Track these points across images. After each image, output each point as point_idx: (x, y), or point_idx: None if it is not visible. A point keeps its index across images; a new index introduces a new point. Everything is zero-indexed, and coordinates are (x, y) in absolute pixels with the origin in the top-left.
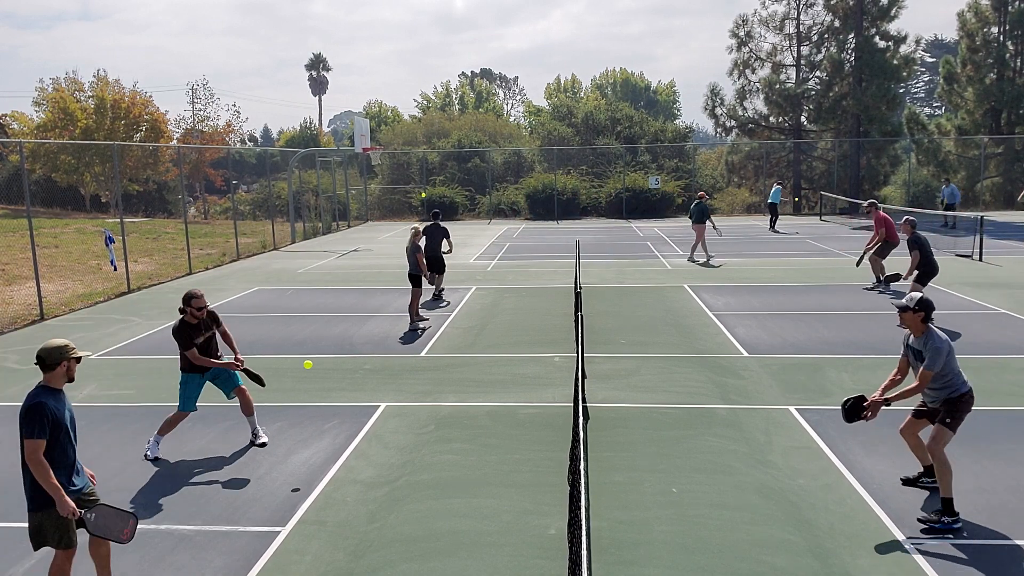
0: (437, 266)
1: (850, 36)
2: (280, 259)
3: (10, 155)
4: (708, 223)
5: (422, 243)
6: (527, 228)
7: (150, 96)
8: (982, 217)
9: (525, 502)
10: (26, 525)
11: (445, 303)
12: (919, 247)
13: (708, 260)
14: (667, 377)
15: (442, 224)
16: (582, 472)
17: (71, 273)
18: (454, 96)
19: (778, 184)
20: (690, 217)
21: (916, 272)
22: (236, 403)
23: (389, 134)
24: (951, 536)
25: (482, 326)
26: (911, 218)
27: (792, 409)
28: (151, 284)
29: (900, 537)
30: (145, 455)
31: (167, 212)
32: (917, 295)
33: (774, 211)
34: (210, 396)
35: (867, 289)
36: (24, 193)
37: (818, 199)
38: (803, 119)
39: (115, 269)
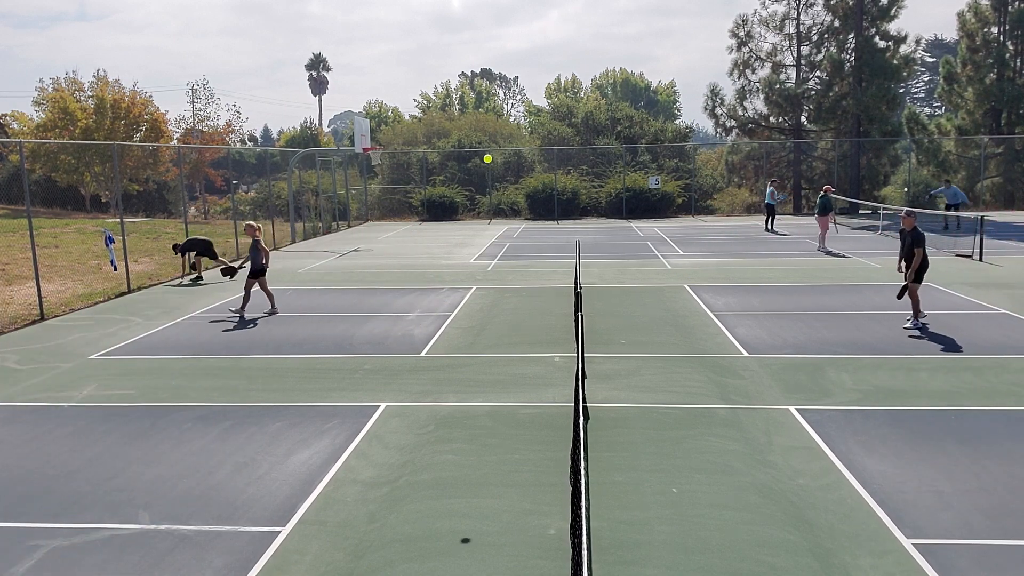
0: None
1: (850, 36)
2: (280, 259)
3: (10, 155)
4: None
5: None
6: (527, 228)
7: (150, 96)
8: (982, 217)
9: (525, 502)
10: (25, 525)
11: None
12: (923, 244)
13: (825, 251)
14: (667, 377)
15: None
16: (582, 472)
17: (71, 273)
18: (454, 96)
19: (771, 185)
20: (814, 209)
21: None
22: (235, 403)
23: (389, 134)
24: None
25: (482, 326)
26: (913, 210)
27: (792, 409)
28: (151, 284)
29: (900, 537)
30: None
31: (167, 212)
32: None
33: (770, 211)
34: (210, 396)
35: None
36: (24, 193)
37: (817, 199)
38: (803, 119)
39: (115, 269)
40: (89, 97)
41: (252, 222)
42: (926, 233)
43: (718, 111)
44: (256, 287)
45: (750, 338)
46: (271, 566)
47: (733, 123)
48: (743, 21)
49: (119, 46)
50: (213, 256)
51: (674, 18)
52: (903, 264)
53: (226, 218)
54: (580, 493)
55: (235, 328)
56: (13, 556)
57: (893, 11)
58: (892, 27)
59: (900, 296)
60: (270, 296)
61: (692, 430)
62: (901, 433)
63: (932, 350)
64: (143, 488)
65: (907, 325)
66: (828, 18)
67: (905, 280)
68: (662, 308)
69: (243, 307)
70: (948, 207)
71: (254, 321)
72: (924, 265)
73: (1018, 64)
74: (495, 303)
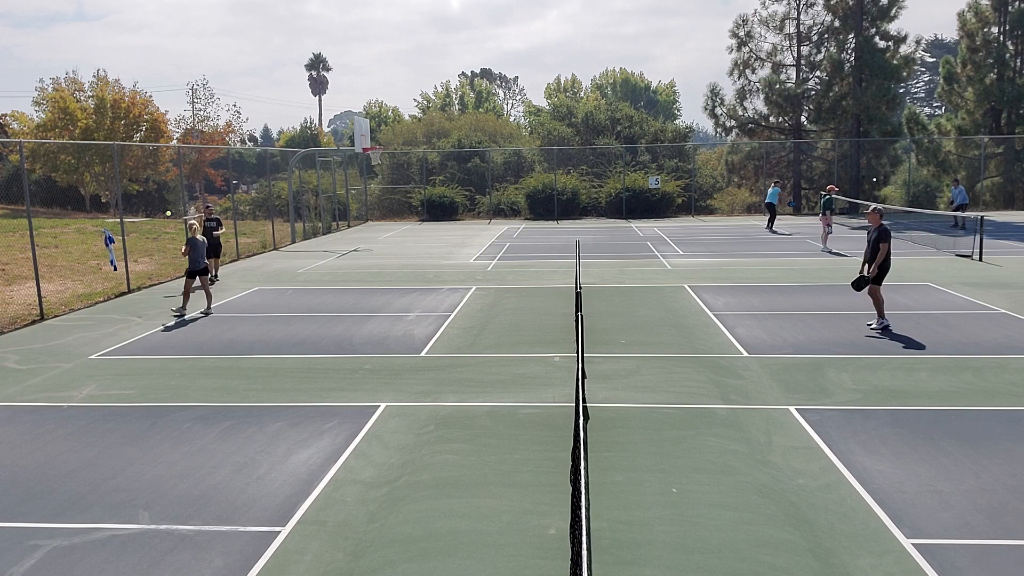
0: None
1: (850, 36)
2: (280, 259)
3: (10, 155)
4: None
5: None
6: (527, 228)
7: (150, 96)
8: (982, 217)
9: (525, 502)
10: (25, 525)
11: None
12: (888, 240)
13: (827, 250)
14: (667, 377)
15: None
16: (582, 472)
17: (71, 273)
18: (454, 96)
19: (776, 185)
20: (816, 209)
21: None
22: (235, 403)
23: (389, 134)
24: None
25: (482, 326)
26: (879, 207)
27: (792, 409)
28: (151, 284)
29: (900, 537)
30: None
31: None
32: None
33: (771, 211)
34: (210, 396)
35: None
36: (24, 193)
37: (818, 199)
38: (803, 119)
39: (115, 269)
40: (89, 97)
41: (194, 221)
42: (927, 233)
43: (718, 111)
44: (192, 284)
45: (750, 338)
46: (271, 566)
47: (733, 123)
48: (743, 21)
49: (117, 46)
50: (218, 255)
51: (671, 18)
52: (866, 265)
53: (226, 218)
54: (580, 493)
55: (235, 328)
56: (13, 556)
57: (893, 11)
58: (892, 27)
59: (858, 288)
60: (187, 296)
61: (692, 430)
62: (901, 433)
63: (932, 350)
64: (143, 488)
65: (872, 324)
66: (828, 18)
67: (865, 273)
68: (662, 308)
69: (209, 306)
70: (956, 207)
71: (184, 319)
72: (886, 265)
73: (1018, 64)
74: (495, 303)
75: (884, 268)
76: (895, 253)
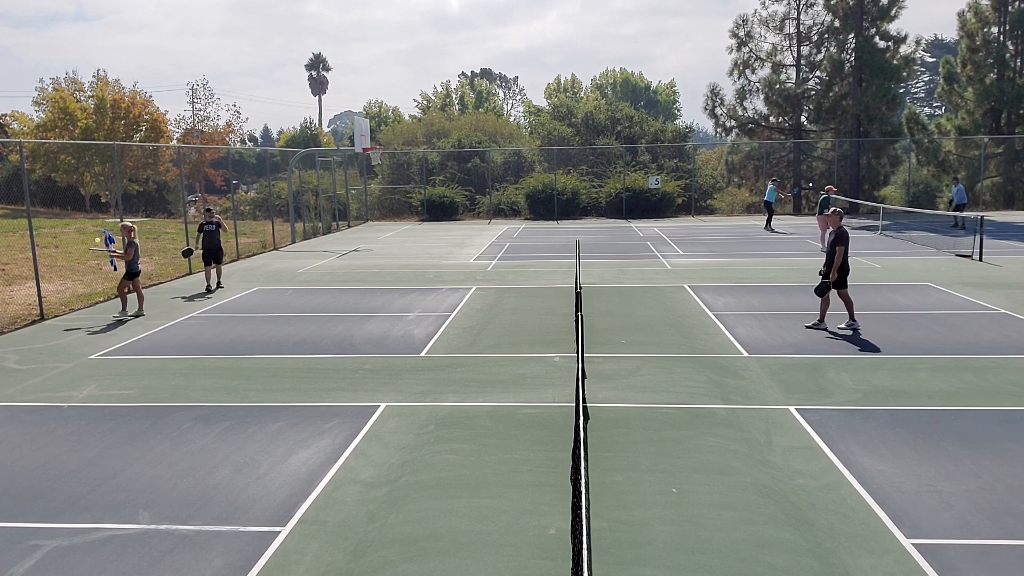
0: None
1: (850, 36)
2: (280, 259)
3: (10, 155)
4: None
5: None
6: (527, 228)
7: (150, 96)
8: (982, 217)
9: (525, 502)
10: (25, 525)
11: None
12: (845, 243)
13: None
14: (667, 377)
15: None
16: (582, 472)
17: (71, 273)
18: (454, 96)
19: (772, 183)
20: (815, 209)
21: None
22: (235, 403)
23: (389, 134)
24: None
25: (482, 326)
26: (839, 209)
27: (792, 409)
28: (151, 284)
29: (900, 537)
30: None
31: (167, 212)
32: None
33: (769, 210)
34: (210, 396)
35: None
36: (24, 193)
37: (818, 199)
38: (803, 119)
39: (115, 269)
40: (89, 97)
41: (129, 223)
42: (927, 233)
43: (718, 111)
44: (129, 288)
45: (750, 338)
46: (271, 566)
47: (733, 123)
48: (743, 21)
49: (117, 46)
50: (220, 260)
51: (671, 18)
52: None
53: (226, 218)
54: (580, 493)
55: (235, 328)
56: (13, 556)
57: (893, 11)
58: (892, 27)
59: (820, 294)
60: (141, 298)
61: (692, 430)
62: (901, 433)
63: (932, 350)
64: (143, 488)
65: (841, 326)
66: (828, 18)
67: (824, 277)
68: (662, 308)
69: (124, 310)
70: (956, 207)
71: (136, 320)
72: (845, 267)
73: (1018, 64)
74: (495, 303)
75: (843, 270)
76: (896, 253)
